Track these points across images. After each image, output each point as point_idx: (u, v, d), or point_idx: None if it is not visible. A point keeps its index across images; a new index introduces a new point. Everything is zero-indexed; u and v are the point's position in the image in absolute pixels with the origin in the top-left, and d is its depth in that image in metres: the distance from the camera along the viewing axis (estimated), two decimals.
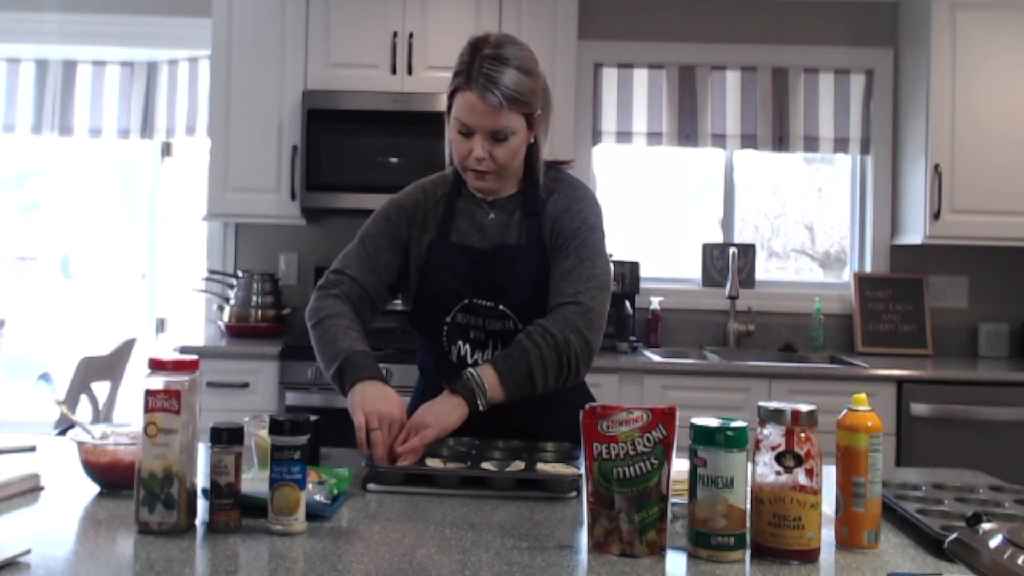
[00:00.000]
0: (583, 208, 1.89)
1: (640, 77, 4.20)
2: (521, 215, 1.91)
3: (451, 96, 1.82)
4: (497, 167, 1.83)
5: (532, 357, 1.74)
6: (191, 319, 4.34)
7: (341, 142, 3.75)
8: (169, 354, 1.38)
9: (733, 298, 4.00)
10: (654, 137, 4.19)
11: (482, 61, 1.76)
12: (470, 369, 1.75)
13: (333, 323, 1.86)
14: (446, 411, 1.71)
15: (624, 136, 4.20)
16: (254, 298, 3.91)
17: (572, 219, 1.87)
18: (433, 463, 1.65)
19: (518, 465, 1.64)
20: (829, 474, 1.37)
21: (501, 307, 1.86)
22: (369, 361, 1.80)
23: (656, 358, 3.66)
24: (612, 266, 3.91)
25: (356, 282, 1.92)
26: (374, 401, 1.71)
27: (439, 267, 1.90)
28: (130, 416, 2.96)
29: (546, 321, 1.77)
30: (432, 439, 1.68)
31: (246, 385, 3.50)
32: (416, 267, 1.93)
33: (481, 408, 1.72)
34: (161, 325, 4.45)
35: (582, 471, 1.51)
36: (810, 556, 1.27)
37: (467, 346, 1.89)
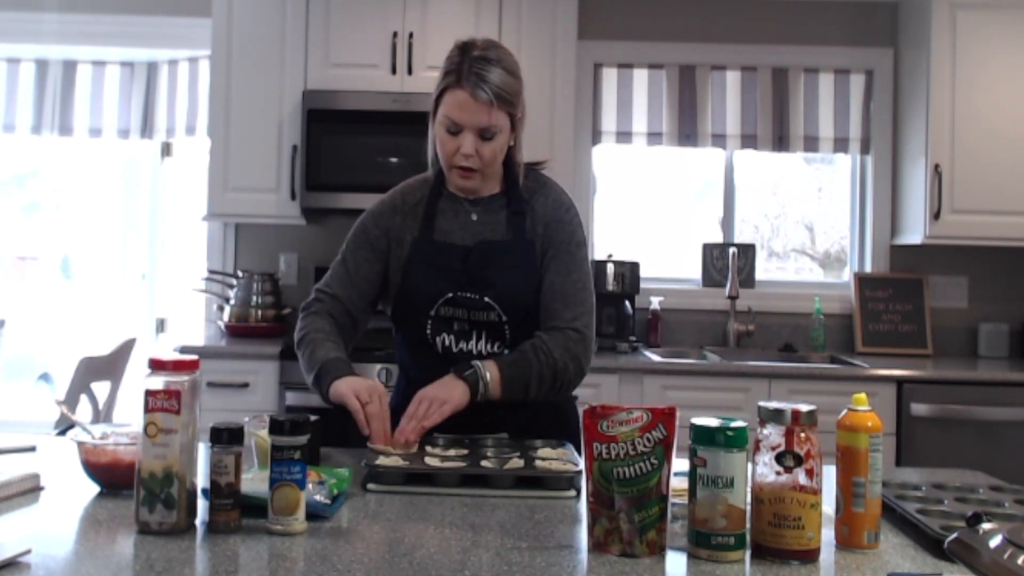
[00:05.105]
0: (572, 219, 1.99)
1: (640, 77, 4.20)
2: (507, 214, 1.97)
3: (439, 96, 1.91)
4: (483, 165, 1.90)
5: (533, 371, 1.87)
6: (191, 319, 4.34)
7: (341, 142, 3.75)
8: (169, 354, 1.38)
9: (733, 298, 4.00)
10: (654, 137, 4.19)
11: (472, 61, 1.86)
12: (476, 362, 1.85)
13: (312, 338, 1.95)
14: (454, 390, 1.81)
15: (624, 136, 4.20)
16: (254, 298, 3.91)
17: (562, 230, 1.97)
18: (432, 461, 1.66)
19: (516, 463, 1.65)
20: (829, 474, 1.37)
21: (486, 299, 1.91)
22: (343, 365, 1.88)
23: (656, 358, 3.66)
24: (612, 267, 3.93)
25: (336, 299, 2.01)
26: (356, 382, 1.82)
27: (422, 263, 1.95)
28: (130, 416, 2.96)
29: (551, 341, 1.89)
30: (449, 413, 1.78)
31: (246, 385, 3.50)
32: (398, 266, 1.98)
33: (478, 399, 1.83)
34: (161, 325, 4.45)
35: (581, 467, 1.52)
36: (810, 556, 1.27)
37: (451, 337, 1.94)
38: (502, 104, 1.85)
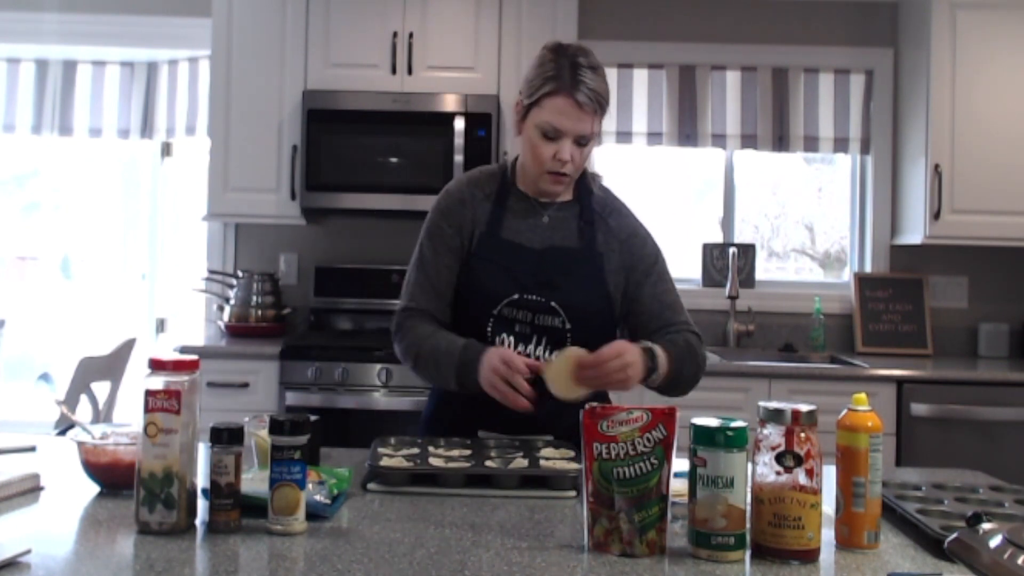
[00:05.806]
0: (649, 233, 2.03)
1: (640, 77, 4.20)
2: (579, 223, 1.96)
3: (536, 101, 1.85)
4: (575, 170, 1.90)
5: (686, 367, 1.95)
6: (191, 319, 4.34)
7: (341, 142, 3.75)
8: (169, 354, 1.38)
9: (733, 298, 4.00)
10: (654, 137, 4.19)
11: (573, 68, 1.83)
12: (645, 342, 1.84)
13: (428, 348, 1.89)
14: (636, 356, 1.79)
15: (624, 136, 4.20)
16: (254, 298, 3.91)
17: (646, 243, 2.00)
18: (436, 461, 1.65)
19: (520, 463, 1.65)
20: (829, 474, 1.37)
21: (552, 304, 1.89)
22: (471, 352, 1.83)
23: None
24: None
25: (425, 313, 1.95)
26: (485, 374, 1.78)
27: (490, 260, 1.92)
28: (130, 416, 2.96)
29: (695, 342, 1.97)
30: (636, 380, 1.82)
31: (246, 385, 3.50)
32: (465, 258, 1.95)
33: (646, 384, 1.90)
34: (161, 325, 4.45)
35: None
36: (810, 556, 1.27)
37: (511, 338, 1.90)
38: (599, 111, 1.86)
